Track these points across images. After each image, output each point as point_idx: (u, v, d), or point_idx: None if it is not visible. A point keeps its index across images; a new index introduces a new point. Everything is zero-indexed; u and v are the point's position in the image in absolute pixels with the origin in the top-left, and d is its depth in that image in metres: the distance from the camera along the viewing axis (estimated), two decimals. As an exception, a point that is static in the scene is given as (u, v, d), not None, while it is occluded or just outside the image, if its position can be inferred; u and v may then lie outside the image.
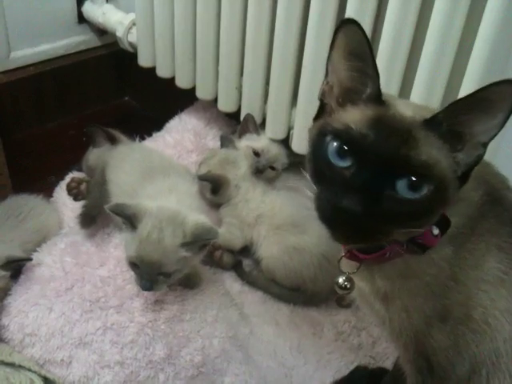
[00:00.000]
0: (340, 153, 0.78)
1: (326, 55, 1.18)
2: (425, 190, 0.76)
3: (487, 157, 1.17)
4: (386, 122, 0.78)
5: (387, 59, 1.28)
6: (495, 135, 0.77)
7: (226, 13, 1.57)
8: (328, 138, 0.80)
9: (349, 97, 0.82)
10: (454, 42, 1.19)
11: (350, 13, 1.30)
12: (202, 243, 1.23)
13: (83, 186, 1.63)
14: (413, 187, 0.75)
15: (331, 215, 0.78)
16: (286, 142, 1.64)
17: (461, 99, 0.76)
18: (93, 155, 1.66)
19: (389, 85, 1.29)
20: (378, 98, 0.80)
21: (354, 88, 0.82)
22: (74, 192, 1.62)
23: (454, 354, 0.90)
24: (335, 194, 0.77)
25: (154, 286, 1.19)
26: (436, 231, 0.84)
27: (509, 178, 0.93)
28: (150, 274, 1.18)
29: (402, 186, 0.75)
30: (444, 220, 0.84)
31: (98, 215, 1.45)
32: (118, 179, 1.44)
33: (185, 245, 1.19)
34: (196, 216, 1.25)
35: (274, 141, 1.63)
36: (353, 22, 0.78)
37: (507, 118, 0.74)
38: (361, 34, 0.78)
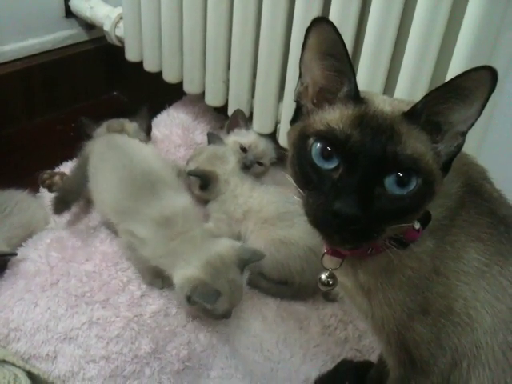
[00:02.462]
0: (325, 154, 0.78)
1: None
2: (413, 185, 0.76)
3: (471, 149, 1.19)
4: (368, 120, 0.77)
5: (372, 54, 1.28)
6: (473, 124, 0.77)
7: (212, 7, 1.58)
8: (311, 140, 0.79)
9: (324, 97, 0.82)
10: (437, 37, 1.19)
11: (334, 6, 1.30)
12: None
13: (56, 178, 1.59)
14: (401, 183, 0.76)
15: (324, 220, 0.77)
16: (273, 136, 1.64)
17: (438, 88, 0.76)
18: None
19: (374, 79, 1.30)
20: (356, 96, 0.80)
21: (329, 87, 0.82)
22: (48, 183, 1.59)
23: (435, 347, 0.90)
24: (325, 197, 0.76)
25: None
26: (417, 225, 0.84)
27: (488, 169, 0.93)
28: None
29: (390, 182, 0.75)
30: (425, 214, 0.84)
31: (73, 202, 1.46)
32: (98, 181, 1.43)
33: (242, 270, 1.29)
34: (227, 243, 1.31)
35: (261, 135, 1.63)
36: (325, 21, 0.77)
37: (484, 105, 0.74)
38: (334, 33, 0.77)
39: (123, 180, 1.38)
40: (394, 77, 1.30)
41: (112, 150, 1.47)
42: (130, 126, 1.64)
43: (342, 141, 0.76)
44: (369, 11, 1.26)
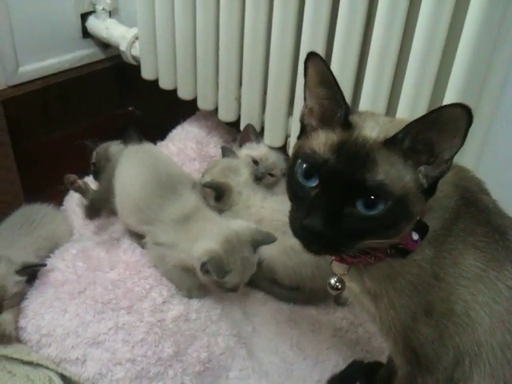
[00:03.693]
0: (307, 174, 0.86)
1: None
2: (381, 207, 0.83)
3: (471, 160, 1.26)
4: (347, 146, 0.85)
5: (375, 71, 1.35)
6: (456, 152, 0.83)
7: (224, 28, 1.65)
8: (299, 161, 0.88)
9: (322, 121, 0.90)
10: (437, 54, 1.26)
11: (340, 27, 1.37)
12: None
13: (80, 182, 1.71)
14: (369, 205, 0.83)
15: (298, 232, 0.87)
16: (284, 149, 1.71)
17: (417, 119, 0.82)
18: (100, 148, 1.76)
19: (377, 95, 1.38)
20: (344, 122, 0.87)
21: (326, 113, 0.90)
22: (75, 186, 1.70)
23: (439, 346, 0.96)
24: (301, 212, 0.85)
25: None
26: (416, 236, 0.91)
27: (485, 181, 1.00)
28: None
29: (360, 204, 0.83)
30: (422, 226, 0.91)
31: (103, 209, 1.56)
32: (123, 183, 1.52)
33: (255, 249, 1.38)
34: (242, 224, 1.41)
35: (272, 148, 1.70)
36: (315, 55, 0.86)
37: (464, 137, 0.81)
38: (323, 66, 0.86)
39: (147, 181, 1.48)
40: (397, 96, 1.37)
41: (137, 155, 1.58)
42: (116, 147, 1.72)
43: (320, 164, 0.85)
44: (372, 33, 1.33)
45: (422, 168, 0.85)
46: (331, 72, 0.86)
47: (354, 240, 0.86)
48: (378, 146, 0.84)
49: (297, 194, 0.88)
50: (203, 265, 1.31)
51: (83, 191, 1.68)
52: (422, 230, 0.92)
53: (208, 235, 1.35)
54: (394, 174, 0.84)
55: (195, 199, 1.49)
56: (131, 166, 1.55)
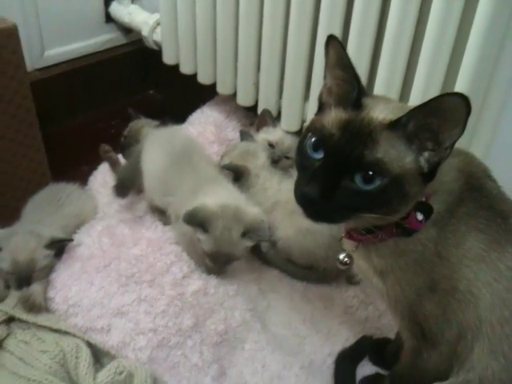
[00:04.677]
0: (314, 146, 0.92)
1: None
2: (377, 183, 0.88)
3: (480, 150, 1.30)
4: (352, 124, 0.90)
5: (390, 58, 1.39)
6: (455, 141, 0.88)
7: (243, 13, 1.69)
8: (309, 134, 0.94)
9: (339, 100, 0.95)
10: (449, 41, 1.29)
11: (356, 12, 1.41)
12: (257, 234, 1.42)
13: (113, 155, 1.80)
14: (366, 180, 0.88)
15: (298, 198, 0.93)
16: (300, 134, 1.76)
17: (419, 106, 0.87)
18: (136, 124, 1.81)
19: (391, 81, 1.42)
20: (356, 103, 0.93)
21: (340, 93, 0.95)
22: (108, 155, 1.79)
23: (442, 321, 1.02)
24: (304, 180, 0.92)
25: (226, 266, 1.45)
26: (420, 217, 0.96)
27: (495, 171, 1.04)
28: (224, 261, 1.43)
29: (358, 178, 0.88)
30: (427, 207, 0.96)
31: (130, 187, 1.64)
32: (150, 158, 1.59)
33: (244, 234, 1.40)
34: (254, 210, 1.44)
35: (288, 133, 1.74)
36: (335, 38, 0.92)
37: (463, 126, 0.85)
38: (341, 49, 0.92)
39: (169, 154, 1.55)
40: (409, 82, 1.41)
41: (161, 134, 1.67)
42: (149, 130, 1.76)
43: (326, 138, 0.91)
44: (387, 19, 1.37)
45: (426, 154, 0.89)
46: (347, 55, 0.92)
47: (348, 211, 0.91)
48: (382, 127, 0.89)
49: (303, 163, 0.94)
50: (186, 215, 1.36)
51: (113, 162, 1.77)
52: (427, 211, 0.97)
53: (212, 195, 1.41)
54: (394, 154, 0.88)
55: (212, 170, 1.54)
56: (157, 143, 1.62)
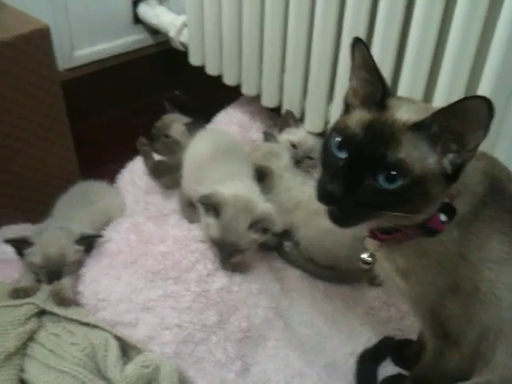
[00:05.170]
0: (339, 146, 0.94)
1: None
2: (399, 183, 0.89)
3: (503, 154, 1.30)
4: (375, 125, 0.92)
5: (413, 62, 1.41)
6: (479, 144, 0.89)
7: (269, 16, 1.72)
8: (334, 133, 0.96)
9: (364, 101, 0.97)
10: (472, 46, 1.30)
11: (380, 14, 1.43)
12: (265, 227, 1.45)
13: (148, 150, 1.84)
14: (389, 179, 0.89)
15: (320, 195, 0.94)
16: (323, 135, 1.77)
17: (443, 108, 0.89)
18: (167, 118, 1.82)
19: (415, 83, 1.43)
20: (380, 104, 0.94)
21: (365, 94, 0.97)
22: (145, 149, 1.83)
23: (464, 322, 1.03)
24: (327, 178, 0.94)
25: (231, 258, 1.45)
26: (443, 218, 0.98)
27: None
28: (229, 251, 1.44)
29: (381, 177, 0.90)
30: (451, 209, 0.98)
31: (165, 173, 1.74)
32: (192, 152, 1.64)
33: (251, 227, 1.43)
34: (265, 205, 1.47)
35: (312, 134, 1.76)
36: (360, 41, 0.95)
37: (486, 129, 0.86)
38: (366, 51, 0.94)
39: (209, 147, 1.61)
40: (433, 84, 1.42)
41: (206, 133, 1.72)
42: (179, 126, 1.76)
43: (350, 138, 0.93)
44: (411, 20, 1.38)
45: (450, 155, 0.91)
46: (372, 57, 0.94)
47: (369, 210, 0.93)
48: (406, 128, 0.91)
49: (328, 163, 0.96)
50: (202, 197, 1.42)
51: (147, 156, 1.82)
52: (451, 212, 0.98)
53: (230, 186, 1.45)
54: (416, 155, 0.90)
55: (242, 168, 1.58)
56: (205, 138, 1.67)
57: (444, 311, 1.04)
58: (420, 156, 0.90)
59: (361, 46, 0.95)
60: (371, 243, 1.09)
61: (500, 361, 1.01)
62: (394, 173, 0.89)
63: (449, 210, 0.98)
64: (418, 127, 0.90)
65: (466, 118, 0.87)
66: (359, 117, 0.95)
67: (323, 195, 0.93)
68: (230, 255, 1.45)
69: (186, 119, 1.80)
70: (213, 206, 1.43)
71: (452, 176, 0.92)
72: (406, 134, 0.91)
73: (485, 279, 1.00)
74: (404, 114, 0.93)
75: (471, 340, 1.04)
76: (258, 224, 1.44)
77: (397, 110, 0.94)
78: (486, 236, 1.00)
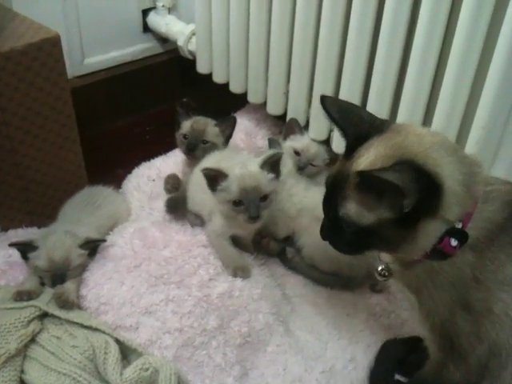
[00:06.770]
0: None
1: (364, 65, 1.44)
2: (353, 229, 0.99)
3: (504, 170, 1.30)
4: (335, 177, 1.03)
5: (412, 90, 1.45)
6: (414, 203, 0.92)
7: (275, 26, 1.74)
8: None
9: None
10: (471, 72, 1.34)
11: (383, 34, 1.45)
12: (274, 162, 1.46)
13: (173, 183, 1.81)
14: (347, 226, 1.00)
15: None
16: (327, 143, 1.79)
17: (375, 173, 0.92)
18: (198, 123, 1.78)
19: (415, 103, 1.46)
20: (345, 154, 1.03)
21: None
22: (168, 187, 1.80)
23: (474, 339, 1.03)
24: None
25: (260, 211, 1.43)
26: (454, 243, 0.98)
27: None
28: (254, 201, 1.42)
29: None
30: (463, 234, 0.98)
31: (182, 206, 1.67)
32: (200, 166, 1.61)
33: (263, 165, 1.45)
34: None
35: (316, 141, 1.77)
36: (324, 98, 1.06)
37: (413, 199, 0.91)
38: (328, 106, 1.05)
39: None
40: (434, 104, 1.44)
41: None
42: (213, 128, 1.75)
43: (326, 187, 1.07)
44: (413, 41, 1.41)
45: (397, 206, 0.94)
46: (333, 112, 1.05)
47: (355, 248, 1.04)
48: (355, 183, 0.97)
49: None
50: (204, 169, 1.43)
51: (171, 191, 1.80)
52: (462, 237, 0.98)
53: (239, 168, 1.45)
54: (360, 210, 0.97)
55: None
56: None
57: (454, 327, 1.04)
58: (364, 210, 0.96)
59: (324, 103, 1.04)
60: (386, 255, 1.10)
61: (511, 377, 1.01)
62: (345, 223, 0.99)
63: (461, 235, 0.98)
64: (363, 183, 0.95)
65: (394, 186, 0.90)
66: (335, 167, 1.04)
67: (320, 233, 1.09)
68: (257, 208, 1.41)
69: (212, 120, 1.79)
70: (218, 172, 1.43)
71: (413, 219, 0.95)
72: (353, 188, 0.97)
73: (498, 300, 0.99)
74: (361, 164, 0.98)
75: (479, 354, 1.04)
76: (267, 160, 1.45)
77: (357, 159, 0.99)
78: (502, 262, 0.99)
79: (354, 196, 0.97)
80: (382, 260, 1.11)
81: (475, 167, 1.02)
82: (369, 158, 0.98)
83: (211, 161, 1.61)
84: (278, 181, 1.49)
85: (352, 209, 0.97)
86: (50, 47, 1.57)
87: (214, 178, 1.44)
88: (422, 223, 0.96)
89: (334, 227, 1.03)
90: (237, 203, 1.42)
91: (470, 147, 1.36)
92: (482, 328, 1.01)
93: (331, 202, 1.00)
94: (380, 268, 1.11)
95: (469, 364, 1.05)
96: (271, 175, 1.46)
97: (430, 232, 0.98)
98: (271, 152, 1.48)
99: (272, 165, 1.46)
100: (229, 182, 1.43)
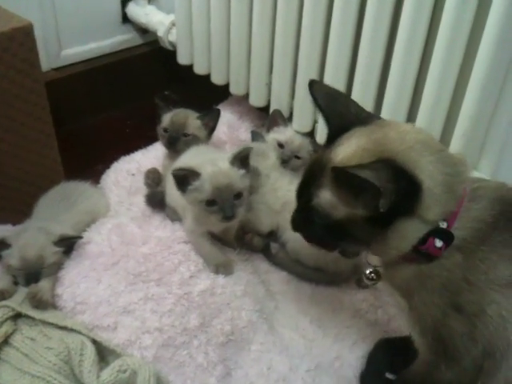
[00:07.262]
0: None
1: (348, 56, 1.41)
2: (324, 221, 0.97)
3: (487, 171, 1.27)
4: (314, 164, 1.00)
5: (398, 77, 1.42)
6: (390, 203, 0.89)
7: (257, 16, 1.71)
8: None
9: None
10: (457, 62, 1.31)
11: (367, 25, 1.42)
12: (244, 157, 1.42)
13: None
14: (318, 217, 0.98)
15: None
16: (311, 135, 1.75)
17: (351, 171, 0.88)
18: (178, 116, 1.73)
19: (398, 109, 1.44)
20: (328, 142, 1.01)
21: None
22: (148, 182, 1.74)
23: (468, 340, 1.00)
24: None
25: (235, 210, 1.38)
26: (439, 244, 0.95)
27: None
28: (228, 200, 1.37)
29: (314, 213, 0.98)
30: (448, 234, 0.95)
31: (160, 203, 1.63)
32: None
33: (233, 162, 1.39)
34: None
35: (300, 133, 1.73)
36: (313, 82, 1.05)
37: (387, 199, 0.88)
38: (316, 92, 1.04)
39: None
40: (417, 102, 1.42)
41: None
42: (194, 121, 1.70)
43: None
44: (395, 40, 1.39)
45: (372, 204, 0.90)
46: (319, 98, 1.04)
47: (326, 243, 1.02)
48: (330, 174, 0.94)
49: None
50: (177, 170, 1.38)
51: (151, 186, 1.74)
52: (447, 238, 0.95)
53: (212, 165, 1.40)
54: (334, 201, 0.94)
55: None
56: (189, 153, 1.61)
57: (447, 329, 1.01)
58: (339, 202, 0.93)
59: (312, 89, 1.02)
60: (374, 258, 1.07)
61: (505, 377, 0.99)
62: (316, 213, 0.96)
63: (445, 235, 0.95)
64: (338, 176, 0.92)
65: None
66: (315, 155, 1.00)
67: (291, 223, 1.07)
68: (231, 207, 1.37)
69: (194, 113, 1.74)
70: (190, 171, 1.37)
71: (388, 218, 0.92)
72: (328, 178, 0.94)
73: (491, 301, 0.96)
74: (337, 155, 0.96)
75: (473, 355, 1.01)
76: (237, 155, 1.40)
77: (335, 148, 0.97)
78: (493, 262, 0.96)
79: (329, 186, 0.94)
80: (370, 263, 1.08)
81: (460, 166, 0.99)
82: (349, 147, 0.95)
83: (189, 156, 1.56)
84: (249, 176, 1.44)
85: (326, 198, 0.94)
86: (22, 37, 1.52)
87: (185, 178, 1.38)
88: (398, 223, 0.94)
89: (305, 218, 0.99)
90: (210, 203, 1.37)
91: (457, 139, 1.34)
92: (476, 329, 0.99)
93: (305, 189, 0.97)
94: (368, 271, 1.09)
95: (463, 366, 1.02)
96: (242, 171, 1.41)
97: (406, 232, 0.95)
98: (241, 147, 1.43)
99: (242, 160, 1.41)
100: (201, 180, 1.37)
